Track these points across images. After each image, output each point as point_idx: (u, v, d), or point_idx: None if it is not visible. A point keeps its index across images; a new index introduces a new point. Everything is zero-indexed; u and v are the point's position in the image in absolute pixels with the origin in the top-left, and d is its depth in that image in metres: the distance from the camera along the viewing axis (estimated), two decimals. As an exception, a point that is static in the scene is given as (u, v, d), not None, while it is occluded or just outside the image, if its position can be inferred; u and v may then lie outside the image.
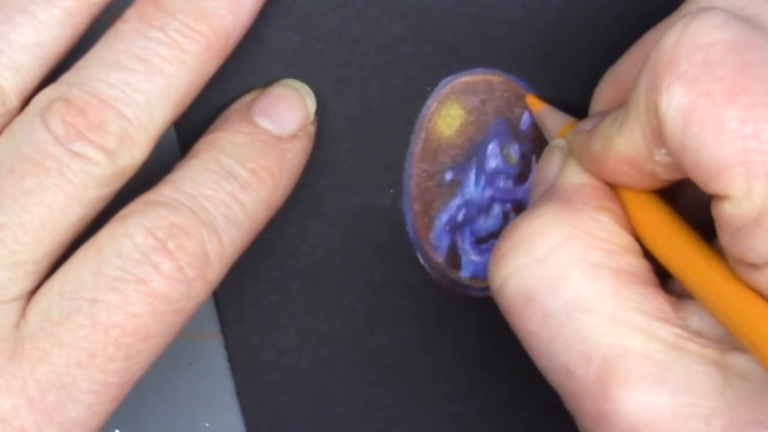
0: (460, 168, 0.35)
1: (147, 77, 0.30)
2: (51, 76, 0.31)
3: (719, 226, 0.25)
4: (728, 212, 0.24)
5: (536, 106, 0.35)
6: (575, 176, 0.29)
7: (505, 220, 0.36)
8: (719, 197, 0.25)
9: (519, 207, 0.36)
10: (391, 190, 0.36)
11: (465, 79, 0.35)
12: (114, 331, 0.29)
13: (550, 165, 0.31)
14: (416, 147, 0.35)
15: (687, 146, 0.25)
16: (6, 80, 0.30)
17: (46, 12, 0.30)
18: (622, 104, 0.28)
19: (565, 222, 0.28)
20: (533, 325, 0.28)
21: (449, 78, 0.35)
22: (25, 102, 0.30)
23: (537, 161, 0.36)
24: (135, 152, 0.30)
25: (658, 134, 0.26)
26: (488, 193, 0.36)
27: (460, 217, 0.36)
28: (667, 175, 0.27)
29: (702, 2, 0.29)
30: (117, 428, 0.36)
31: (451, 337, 0.37)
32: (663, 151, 0.26)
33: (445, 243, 0.36)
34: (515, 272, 0.28)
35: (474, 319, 0.37)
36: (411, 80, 0.35)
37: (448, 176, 0.35)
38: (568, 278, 0.27)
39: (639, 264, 0.28)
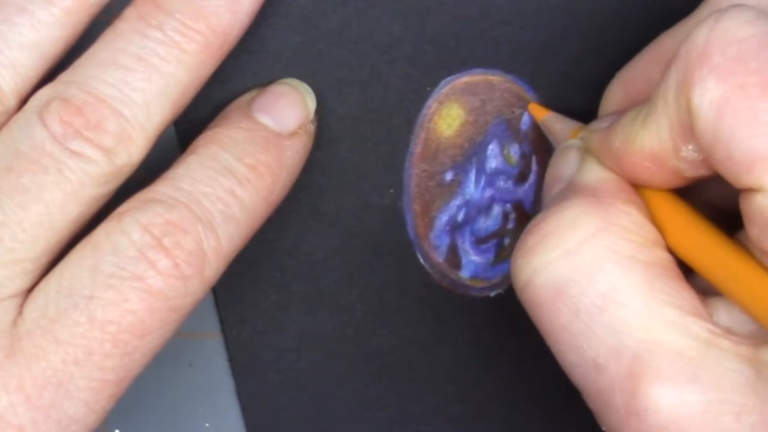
0: (460, 168, 0.35)
1: (145, 76, 0.30)
2: (49, 76, 0.31)
3: (748, 220, 0.25)
4: (760, 204, 0.24)
5: (540, 113, 0.35)
6: (597, 172, 0.29)
7: (505, 220, 0.36)
8: (750, 190, 0.25)
9: (519, 207, 0.36)
10: (391, 190, 0.36)
11: (465, 79, 0.35)
12: (110, 327, 0.29)
13: (566, 164, 0.31)
14: (416, 147, 0.35)
15: (720, 139, 0.25)
16: (4, 79, 0.30)
17: (45, 11, 0.30)
18: (633, 106, 0.28)
19: (595, 214, 0.27)
20: (563, 318, 0.27)
21: (449, 78, 0.35)
22: (23, 101, 0.30)
23: (537, 161, 0.36)
24: (132, 151, 0.30)
25: (686, 128, 0.26)
26: (488, 193, 0.36)
27: (460, 217, 0.36)
28: (691, 172, 0.27)
29: (721, 3, 0.29)
30: (117, 428, 0.36)
31: (451, 337, 0.37)
32: (690, 146, 0.26)
33: (445, 243, 0.36)
34: (545, 265, 0.27)
35: (474, 319, 0.36)
36: (411, 80, 0.35)
37: (448, 176, 0.35)
38: (601, 270, 0.27)
39: (667, 258, 0.27)
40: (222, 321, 0.36)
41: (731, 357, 0.26)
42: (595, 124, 0.31)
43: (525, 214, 0.36)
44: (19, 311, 0.29)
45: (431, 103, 0.35)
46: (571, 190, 0.29)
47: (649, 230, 0.28)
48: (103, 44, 0.30)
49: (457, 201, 0.36)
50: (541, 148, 0.35)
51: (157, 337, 0.29)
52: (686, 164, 0.27)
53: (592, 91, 0.35)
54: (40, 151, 0.29)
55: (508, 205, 0.36)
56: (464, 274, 0.36)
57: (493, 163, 0.35)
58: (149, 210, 0.29)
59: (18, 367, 0.28)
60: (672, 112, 0.26)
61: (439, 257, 0.36)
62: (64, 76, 0.30)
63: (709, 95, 0.25)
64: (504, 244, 0.36)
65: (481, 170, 0.35)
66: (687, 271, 0.28)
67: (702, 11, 0.30)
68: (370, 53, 0.34)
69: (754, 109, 0.24)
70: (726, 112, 0.24)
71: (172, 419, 0.37)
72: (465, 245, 0.36)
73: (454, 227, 0.36)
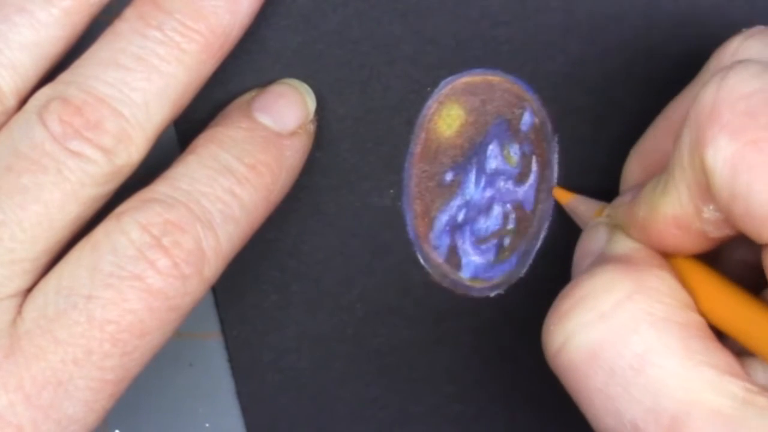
0: (461, 168, 0.35)
1: (144, 76, 0.30)
2: (49, 76, 0.31)
3: None
4: None
5: (566, 197, 0.35)
6: (627, 243, 0.29)
7: (505, 220, 0.36)
8: None
9: (519, 207, 0.36)
10: (391, 190, 0.36)
11: (465, 79, 0.35)
12: (110, 327, 0.29)
13: (595, 240, 0.31)
14: (416, 147, 0.35)
15: (737, 196, 0.24)
16: (4, 79, 0.30)
17: (45, 11, 0.30)
18: (652, 177, 0.28)
19: (629, 278, 0.27)
20: (599, 382, 0.27)
21: (449, 78, 0.35)
22: (23, 101, 0.31)
23: (537, 161, 0.36)
24: (132, 151, 0.30)
25: (705, 189, 0.26)
26: (488, 193, 0.36)
27: (461, 217, 0.36)
28: (717, 233, 0.27)
29: (723, 61, 0.29)
30: (117, 428, 0.37)
31: (451, 337, 0.37)
32: (711, 207, 0.26)
33: (445, 243, 0.36)
34: (579, 329, 0.27)
35: (474, 319, 0.36)
36: (411, 80, 0.35)
37: (448, 176, 0.35)
38: (636, 332, 0.27)
39: (701, 320, 0.27)
40: (222, 321, 0.36)
41: None
42: (619, 200, 0.31)
43: (525, 214, 0.36)
44: (19, 311, 0.29)
45: (431, 104, 0.35)
46: (603, 260, 0.29)
47: (682, 293, 0.28)
48: (103, 44, 0.30)
49: (457, 201, 0.36)
50: (541, 148, 0.35)
51: (156, 337, 0.29)
52: (710, 225, 0.27)
53: (592, 91, 0.35)
54: (40, 151, 0.29)
55: (508, 206, 0.36)
56: (464, 274, 0.36)
57: (493, 163, 0.35)
58: (148, 209, 0.29)
59: (17, 367, 0.28)
60: (689, 175, 0.26)
61: (439, 257, 0.36)
62: (64, 76, 0.30)
63: (723, 153, 0.25)
64: (504, 244, 0.36)
65: (481, 170, 0.35)
66: (719, 336, 0.28)
67: (705, 73, 0.30)
68: (370, 53, 0.34)
69: None
70: (741, 169, 0.24)
71: (172, 419, 0.37)
72: (465, 245, 0.36)
73: (454, 227, 0.36)
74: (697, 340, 0.27)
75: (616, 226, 0.30)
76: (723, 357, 0.26)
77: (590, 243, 0.31)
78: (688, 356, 0.26)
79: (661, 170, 0.28)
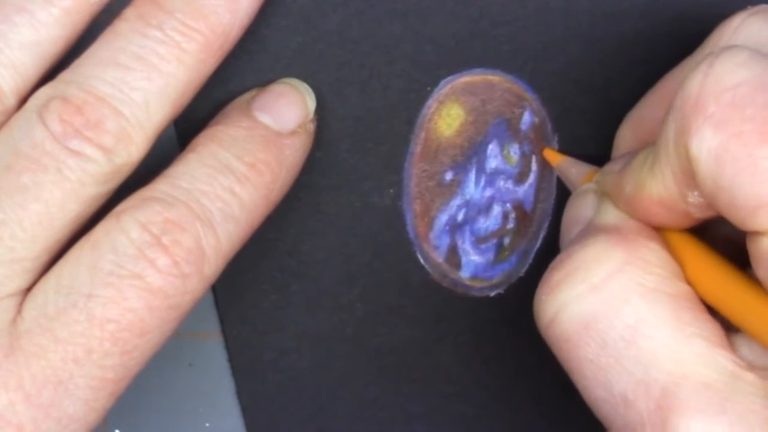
0: (460, 168, 0.35)
1: (145, 75, 0.30)
2: (49, 75, 0.31)
3: (756, 261, 0.25)
4: (766, 247, 0.24)
5: (556, 158, 0.35)
6: (616, 213, 0.29)
7: (505, 219, 0.36)
8: (756, 233, 0.24)
9: (519, 207, 0.36)
10: (391, 190, 0.36)
11: (465, 79, 0.35)
12: (110, 326, 0.29)
13: (584, 207, 0.31)
14: (416, 147, 0.35)
15: (721, 187, 0.24)
16: (4, 79, 0.30)
17: (45, 11, 0.30)
18: (644, 146, 0.28)
19: (620, 248, 0.27)
20: (591, 353, 0.27)
21: (449, 78, 0.35)
22: (23, 101, 0.31)
23: (537, 161, 0.36)
24: (132, 150, 0.30)
25: (689, 176, 0.26)
26: (488, 193, 0.36)
27: (460, 217, 0.36)
28: (701, 214, 0.27)
29: (723, 40, 0.29)
30: (117, 428, 0.37)
31: (451, 337, 0.37)
32: (695, 192, 0.26)
33: (445, 243, 0.36)
34: (571, 300, 0.27)
35: (474, 319, 0.36)
36: (411, 80, 0.35)
37: (448, 176, 0.35)
38: (628, 303, 0.27)
39: (691, 291, 0.27)
40: (222, 321, 0.36)
41: (756, 390, 0.26)
42: (609, 167, 0.31)
43: (525, 213, 0.36)
44: (19, 310, 0.29)
45: (431, 103, 0.35)
46: (592, 229, 0.29)
47: (672, 264, 0.28)
48: (103, 43, 0.30)
49: (457, 201, 0.36)
50: (541, 147, 0.35)
51: (156, 336, 0.29)
52: (695, 208, 0.27)
53: (592, 91, 0.35)
54: (40, 150, 0.29)
55: (508, 205, 0.36)
56: (464, 273, 0.36)
57: (493, 162, 0.35)
58: (148, 208, 0.29)
59: (17, 366, 0.28)
60: (674, 162, 0.26)
61: (439, 257, 0.36)
62: (64, 76, 0.30)
63: (707, 145, 0.24)
64: (504, 243, 0.36)
65: (481, 170, 0.35)
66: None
67: (704, 49, 0.30)
68: (370, 53, 0.34)
69: (753, 156, 0.24)
70: (725, 161, 0.24)
71: (172, 419, 0.37)
72: (465, 245, 0.36)
73: (454, 227, 0.36)
74: (688, 312, 0.27)
75: (605, 194, 0.30)
76: (713, 329, 0.26)
77: (579, 210, 0.31)
78: (679, 328, 0.26)
79: (652, 139, 0.28)
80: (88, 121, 0.29)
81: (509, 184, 0.36)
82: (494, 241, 0.36)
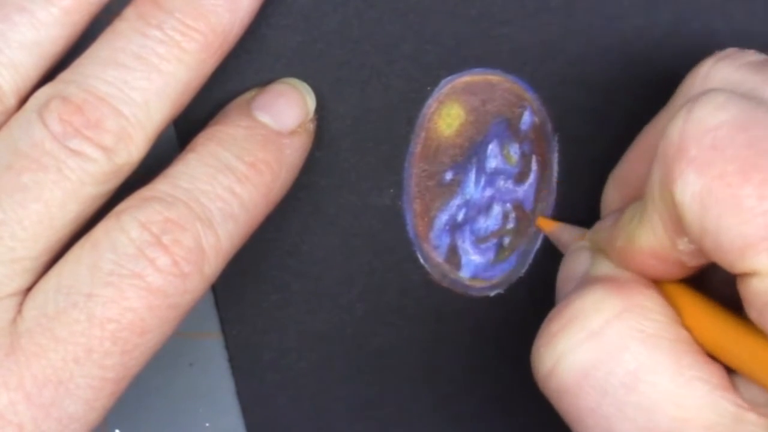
0: (460, 168, 0.35)
1: (145, 75, 0.30)
2: (49, 75, 0.31)
3: (747, 302, 0.25)
4: (756, 288, 0.24)
5: (549, 226, 0.35)
6: (611, 265, 0.29)
7: (505, 219, 0.36)
8: (745, 275, 0.24)
9: (519, 207, 0.36)
10: (391, 190, 0.36)
11: (465, 79, 0.35)
12: (110, 325, 0.29)
13: (578, 263, 0.31)
14: (416, 147, 0.35)
15: (707, 230, 0.24)
16: (4, 78, 0.30)
17: (45, 11, 0.30)
18: (631, 202, 0.29)
19: (618, 296, 0.27)
20: (591, 402, 0.27)
21: (449, 78, 0.35)
22: (23, 100, 0.31)
23: (537, 161, 0.36)
24: (132, 150, 0.30)
25: (678, 223, 0.26)
26: (488, 192, 0.36)
27: (460, 216, 0.36)
28: (693, 262, 0.27)
29: (695, 88, 0.29)
30: (117, 428, 0.36)
31: (451, 337, 0.37)
32: (685, 239, 0.26)
33: (445, 243, 0.36)
34: (570, 349, 0.27)
35: (474, 319, 0.36)
36: (411, 80, 0.35)
37: (448, 176, 0.35)
38: (627, 349, 0.27)
39: (689, 336, 0.27)
40: (222, 321, 0.36)
41: (759, 430, 0.26)
42: (599, 225, 0.31)
43: (525, 213, 0.36)
44: (19, 310, 0.29)
45: (431, 103, 0.35)
46: (588, 280, 0.29)
47: (670, 311, 0.28)
48: (103, 43, 0.31)
49: (457, 201, 0.36)
50: (541, 147, 0.35)
51: (156, 335, 0.29)
52: (686, 256, 0.27)
53: (592, 91, 0.35)
54: (40, 150, 0.29)
55: (508, 205, 0.36)
56: (464, 273, 0.36)
57: (493, 162, 0.35)
58: (148, 208, 0.29)
59: (18, 366, 0.28)
60: (661, 210, 0.26)
61: (439, 257, 0.36)
62: (64, 75, 0.30)
63: (691, 189, 0.25)
64: (504, 243, 0.36)
65: (481, 170, 0.35)
66: None
67: (676, 100, 0.30)
68: (370, 53, 0.34)
69: (736, 196, 0.24)
70: (709, 204, 0.24)
71: (172, 419, 0.37)
72: (465, 245, 0.36)
73: (454, 227, 0.36)
74: (688, 356, 0.27)
75: (599, 250, 0.30)
76: (713, 371, 0.26)
77: (573, 267, 0.31)
78: (679, 372, 0.26)
79: (638, 195, 0.28)
80: (88, 120, 0.29)
81: (509, 184, 0.36)
82: (494, 241, 0.36)
